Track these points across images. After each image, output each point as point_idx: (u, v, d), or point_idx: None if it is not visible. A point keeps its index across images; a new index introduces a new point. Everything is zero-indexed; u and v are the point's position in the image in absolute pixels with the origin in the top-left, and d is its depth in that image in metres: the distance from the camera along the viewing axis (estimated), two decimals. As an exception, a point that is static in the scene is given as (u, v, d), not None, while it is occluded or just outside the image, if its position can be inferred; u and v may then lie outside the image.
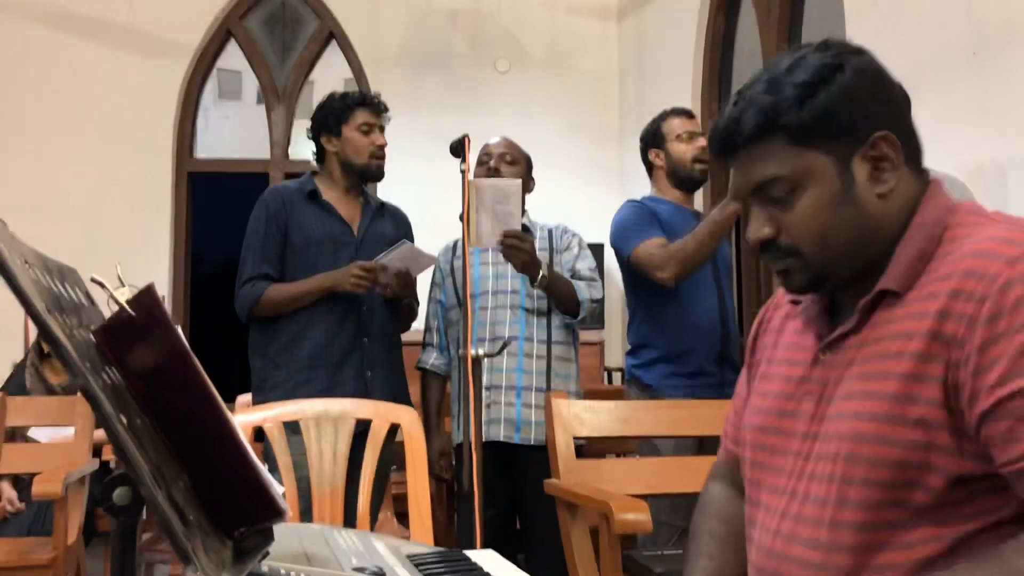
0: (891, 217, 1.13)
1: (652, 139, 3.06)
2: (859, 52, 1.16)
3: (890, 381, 1.04)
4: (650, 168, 3.09)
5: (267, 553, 0.96)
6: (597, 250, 3.00)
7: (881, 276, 1.11)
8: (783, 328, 1.27)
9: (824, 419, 1.12)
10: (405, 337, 2.97)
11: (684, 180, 3.02)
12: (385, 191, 5.24)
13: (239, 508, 0.90)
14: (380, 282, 2.68)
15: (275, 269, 2.77)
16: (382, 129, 2.88)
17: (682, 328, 2.88)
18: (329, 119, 2.85)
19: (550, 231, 2.98)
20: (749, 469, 1.24)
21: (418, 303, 2.97)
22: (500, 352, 2.63)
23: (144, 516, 0.84)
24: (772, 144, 1.13)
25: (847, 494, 1.06)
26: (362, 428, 2.23)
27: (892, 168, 1.12)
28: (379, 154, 2.85)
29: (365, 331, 2.77)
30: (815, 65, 1.12)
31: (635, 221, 2.92)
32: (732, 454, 1.36)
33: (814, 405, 1.14)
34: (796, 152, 1.12)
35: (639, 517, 1.78)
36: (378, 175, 2.89)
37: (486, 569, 1.17)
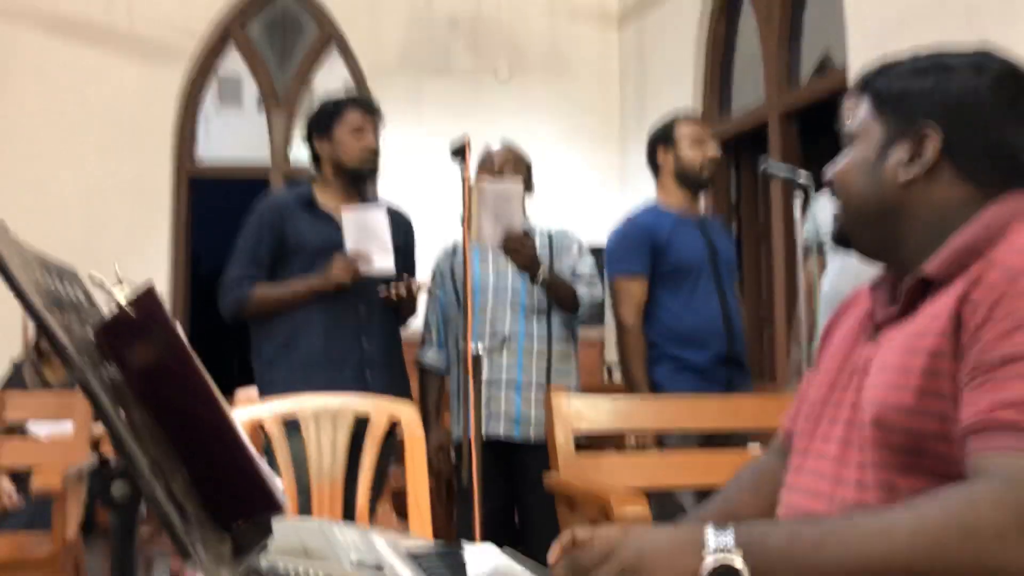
0: (913, 208, 1.18)
1: (663, 139, 3.06)
2: (985, 70, 1.18)
3: (918, 357, 1.08)
4: (656, 169, 3.10)
5: (266, 548, 0.96)
6: (598, 254, 3.00)
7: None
8: (855, 315, 1.32)
9: (860, 390, 1.17)
10: (405, 335, 2.96)
11: (691, 182, 3.04)
12: (384, 197, 5.25)
13: (238, 502, 0.90)
14: (361, 269, 2.65)
15: (263, 274, 2.75)
16: (376, 130, 2.84)
17: (683, 336, 2.89)
18: (321, 121, 2.83)
19: (550, 235, 2.98)
20: (800, 438, 1.29)
21: (416, 303, 2.95)
22: (500, 348, 2.63)
23: (143, 511, 0.84)
24: (863, 101, 1.25)
25: (861, 457, 1.12)
26: (361, 428, 2.22)
27: (922, 165, 1.17)
28: (370, 156, 2.81)
29: (363, 331, 2.75)
30: (936, 58, 1.21)
31: (627, 248, 2.95)
32: (786, 431, 1.40)
33: (859, 379, 1.19)
34: (869, 116, 1.23)
35: (638, 511, 1.79)
36: (370, 175, 2.86)
37: (485, 564, 1.17)
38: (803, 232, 3.19)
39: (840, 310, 1.38)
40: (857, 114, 1.26)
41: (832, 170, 1.28)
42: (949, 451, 1.05)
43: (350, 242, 2.68)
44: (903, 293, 1.17)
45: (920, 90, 1.19)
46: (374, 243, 2.70)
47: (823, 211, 2.88)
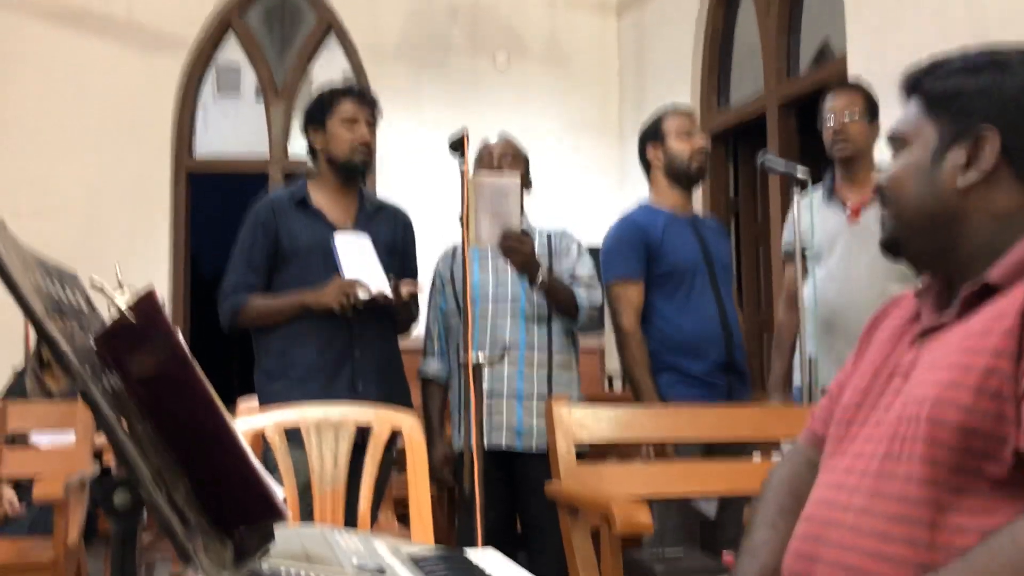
0: (971, 214, 1.16)
1: (652, 135, 3.05)
2: None
3: (980, 356, 1.07)
4: (647, 167, 3.09)
5: (267, 553, 0.97)
6: (596, 253, 2.99)
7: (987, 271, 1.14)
8: (895, 320, 1.31)
9: (899, 393, 1.16)
10: (406, 344, 2.95)
11: (682, 176, 3.02)
12: (383, 186, 5.24)
13: (239, 509, 0.91)
14: (361, 296, 2.63)
15: (260, 279, 2.74)
16: (370, 124, 2.81)
17: (681, 344, 2.89)
18: (316, 112, 2.81)
19: (549, 236, 2.96)
20: (830, 443, 1.27)
21: (418, 308, 2.94)
22: (500, 358, 2.63)
23: (144, 517, 0.84)
24: (913, 103, 1.22)
25: (909, 449, 1.09)
26: (362, 439, 2.22)
27: (980, 170, 1.15)
28: (362, 149, 2.78)
29: (356, 342, 2.73)
30: (989, 55, 1.18)
31: (622, 252, 2.94)
32: (814, 434, 1.38)
33: (902, 381, 1.17)
34: (921, 117, 1.21)
35: (640, 519, 1.78)
36: (361, 170, 2.82)
37: (487, 569, 1.17)
38: (783, 238, 3.19)
39: (879, 315, 1.37)
40: (907, 116, 1.23)
41: (883, 176, 1.25)
42: (999, 452, 1.04)
43: (347, 269, 2.66)
44: (960, 299, 1.15)
45: (975, 89, 1.15)
46: (368, 270, 2.68)
47: (805, 216, 2.87)
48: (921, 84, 1.21)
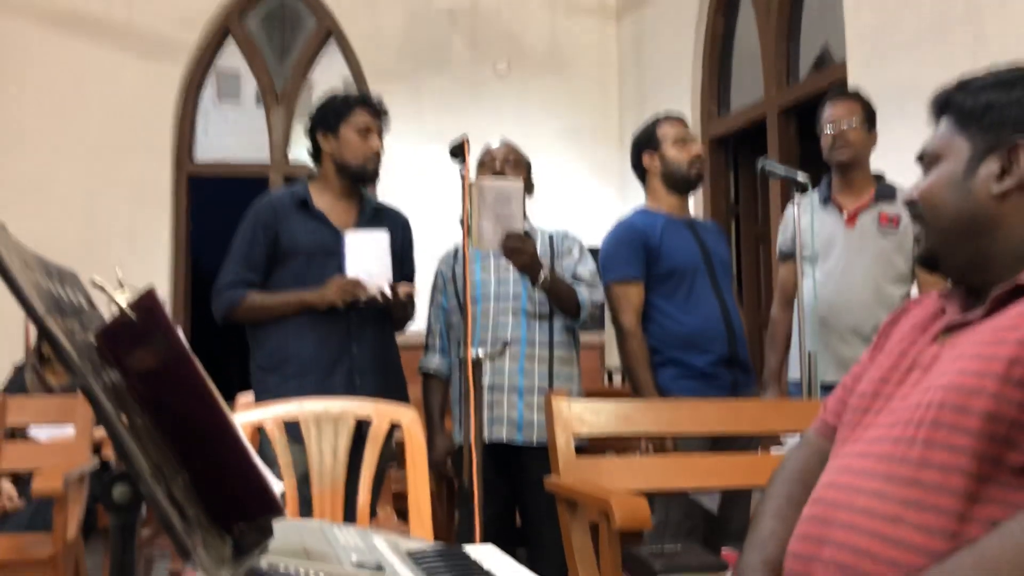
0: (1006, 219, 1.18)
1: (647, 142, 3.06)
2: None
3: (1003, 346, 1.08)
4: (643, 174, 3.09)
5: (266, 549, 0.97)
6: (597, 254, 3.00)
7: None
8: (916, 317, 1.32)
9: (918, 384, 1.16)
10: (405, 341, 2.95)
11: (680, 182, 3.03)
12: (384, 192, 5.24)
13: (238, 504, 0.91)
14: (361, 297, 2.65)
15: (258, 276, 2.75)
16: (380, 133, 2.84)
17: (684, 339, 2.89)
18: (328, 116, 2.81)
19: (551, 236, 2.98)
20: (843, 430, 1.28)
21: (414, 308, 2.92)
22: (501, 353, 2.62)
23: (143, 512, 0.84)
24: (945, 121, 1.25)
25: (926, 435, 1.09)
26: (361, 431, 2.22)
27: (1016, 178, 1.17)
28: (373, 158, 2.81)
29: (354, 337, 2.74)
30: (1019, 71, 1.21)
31: (621, 253, 2.94)
32: (826, 424, 1.39)
33: (921, 374, 1.18)
34: (952, 133, 1.23)
35: (639, 514, 1.78)
36: (372, 177, 2.85)
37: (485, 565, 1.17)
38: (779, 238, 3.22)
39: (899, 313, 1.38)
40: (937, 133, 1.25)
41: (914, 190, 1.26)
42: (1020, 439, 1.04)
43: (350, 268, 2.67)
44: (991, 298, 1.16)
45: (1007, 102, 1.19)
46: (374, 268, 2.68)
47: (803, 218, 2.89)
48: (951, 102, 1.24)
